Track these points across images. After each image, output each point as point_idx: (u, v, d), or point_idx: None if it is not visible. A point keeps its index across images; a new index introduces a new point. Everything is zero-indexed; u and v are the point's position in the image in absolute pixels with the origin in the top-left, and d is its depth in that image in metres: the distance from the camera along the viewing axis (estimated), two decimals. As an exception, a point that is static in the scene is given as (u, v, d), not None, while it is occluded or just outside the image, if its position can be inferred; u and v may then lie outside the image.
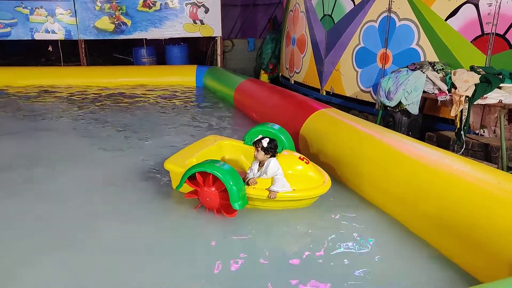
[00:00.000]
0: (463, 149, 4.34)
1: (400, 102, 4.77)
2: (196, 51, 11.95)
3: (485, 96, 4.16)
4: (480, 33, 4.70)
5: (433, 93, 4.59)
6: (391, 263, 2.78)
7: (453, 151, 4.31)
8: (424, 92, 4.65)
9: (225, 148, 4.28)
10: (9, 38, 9.88)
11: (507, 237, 2.36)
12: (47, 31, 9.92)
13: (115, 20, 10.07)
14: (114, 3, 9.95)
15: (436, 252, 2.86)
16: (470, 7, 4.75)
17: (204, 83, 9.56)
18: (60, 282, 2.56)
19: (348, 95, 6.63)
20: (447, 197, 2.81)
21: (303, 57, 7.97)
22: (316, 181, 3.43)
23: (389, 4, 5.68)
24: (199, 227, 3.22)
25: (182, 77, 9.81)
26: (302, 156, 3.57)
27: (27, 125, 6.23)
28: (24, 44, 11.48)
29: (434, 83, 4.59)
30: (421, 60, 5.27)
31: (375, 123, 4.96)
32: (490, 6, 4.57)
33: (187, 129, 5.99)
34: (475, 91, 4.18)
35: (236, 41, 11.29)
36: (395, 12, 5.60)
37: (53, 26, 9.89)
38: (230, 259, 2.79)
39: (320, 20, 7.21)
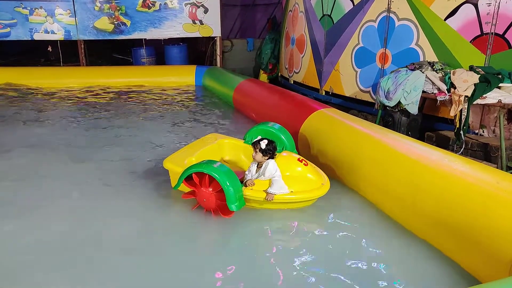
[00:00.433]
0: (463, 148, 4.34)
1: (399, 102, 4.77)
2: (196, 51, 11.95)
3: (484, 96, 4.16)
4: (479, 33, 4.71)
5: (432, 93, 4.59)
6: (390, 262, 2.78)
7: (452, 151, 4.31)
8: (423, 92, 4.65)
9: (225, 147, 4.28)
10: (8, 39, 9.86)
11: (507, 237, 2.37)
12: (46, 32, 9.91)
13: (114, 20, 10.07)
14: (113, 3, 9.94)
15: (436, 251, 2.86)
16: (469, 7, 4.75)
17: (203, 83, 9.56)
18: (57, 283, 2.57)
19: (347, 95, 6.64)
20: (446, 196, 2.81)
21: (302, 57, 7.97)
22: (314, 183, 3.41)
23: (388, 4, 5.68)
24: (195, 227, 3.22)
25: (182, 77, 9.81)
26: (301, 158, 3.55)
27: (25, 125, 6.22)
28: (23, 45, 11.47)
29: (433, 83, 4.59)
30: (420, 60, 5.27)
31: (375, 123, 4.96)
32: (489, 6, 4.57)
33: (186, 129, 5.99)
34: (474, 91, 4.18)
35: (236, 41, 11.28)
36: (394, 12, 5.61)
37: (53, 26, 9.89)
38: (227, 260, 2.79)
39: (319, 20, 7.21)
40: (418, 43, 5.34)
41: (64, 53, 10.44)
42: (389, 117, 4.99)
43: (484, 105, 4.32)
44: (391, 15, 5.65)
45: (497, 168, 3.90)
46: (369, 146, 3.73)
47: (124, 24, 10.12)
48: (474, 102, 4.21)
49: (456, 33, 4.90)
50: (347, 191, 3.84)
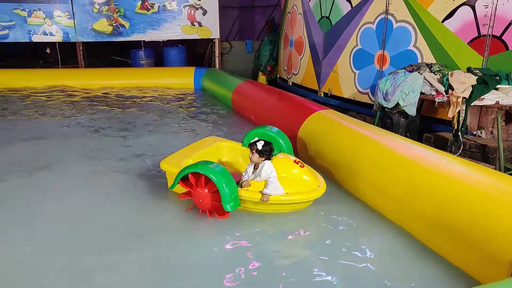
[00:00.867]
0: (461, 150, 4.35)
1: (397, 104, 4.78)
2: (194, 53, 11.96)
3: (482, 97, 4.17)
4: (476, 34, 4.73)
5: (430, 94, 4.60)
6: (388, 264, 2.78)
7: (450, 152, 4.32)
8: (421, 93, 4.67)
9: (223, 150, 4.28)
10: (7, 41, 9.86)
11: (505, 238, 2.37)
12: (45, 34, 9.91)
13: (113, 22, 10.07)
14: (112, 5, 9.95)
15: (434, 253, 2.86)
16: (466, 9, 4.78)
17: (202, 85, 9.56)
18: (54, 281, 2.58)
19: (346, 96, 6.65)
20: (445, 198, 2.82)
21: (301, 59, 7.98)
22: (310, 185, 3.41)
23: (386, 6, 5.70)
24: (192, 227, 3.23)
25: (180, 79, 9.81)
26: (297, 160, 3.55)
27: (24, 127, 6.22)
28: (22, 47, 11.47)
29: (431, 85, 4.60)
30: (418, 61, 5.29)
31: (373, 124, 4.97)
32: (487, 7, 4.59)
33: (184, 131, 6.00)
34: (472, 92, 4.19)
35: (234, 43, 11.30)
36: (392, 14, 5.63)
37: (51, 28, 9.89)
38: (223, 261, 2.80)
39: (318, 22, 7.23)
40: (416, 45, 5.36)
41: (62, 55, 10.44)
42: (388, 119, 5.00)
43: (482, 106, 4.33)
44: (389, 17, 5.67)
45: (495, 169, 3.91)
46: (368, 148, 3.74)
47: (123, 26, 10.12)
48: (472, 104, 4.22)
49: (453, 35, 4.92)
50: (345, 192, 3.84)
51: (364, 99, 6.25)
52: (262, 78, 10.32)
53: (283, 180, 3.33)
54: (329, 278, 2.62)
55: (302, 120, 4.77)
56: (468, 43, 4.82)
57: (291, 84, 8.50)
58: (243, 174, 3.54)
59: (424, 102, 4.95)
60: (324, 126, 4.51)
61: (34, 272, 2.69)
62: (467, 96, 4.21)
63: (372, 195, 3.56)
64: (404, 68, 4.99)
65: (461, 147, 4.34)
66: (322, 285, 2.55)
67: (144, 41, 10.46)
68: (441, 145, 4.56)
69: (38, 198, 3.73)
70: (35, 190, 3.91)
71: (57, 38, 10.00)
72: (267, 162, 3.37)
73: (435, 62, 5.08)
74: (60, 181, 4.13)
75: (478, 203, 2.61)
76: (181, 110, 7.34)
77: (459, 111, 4.28)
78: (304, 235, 3.18)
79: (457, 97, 4.25)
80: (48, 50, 10.64)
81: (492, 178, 2.74)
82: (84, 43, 10.30)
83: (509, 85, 4.27)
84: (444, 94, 4.44)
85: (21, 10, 9.70)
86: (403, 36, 5.50)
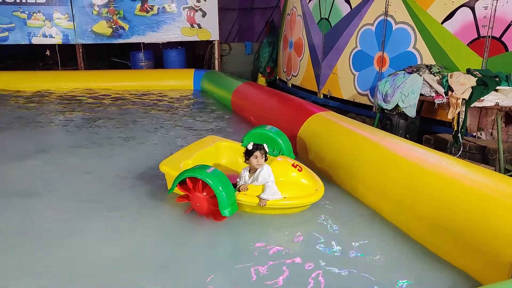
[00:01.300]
0: (461, 151, 4.34)
1: (397, 105, 4.78)
2: (194, 54, 11.96)
3: (481, 98, 4.17)
4: (476, 36, 4.73)
5: (430, 96, 4.60)
6: (387, 266, 2.77)
7: (450, 153, 4.32)
8: (421, 95, 4.67)
9: (223, 150, 4.27)
10: (6, 43, 9.87)
11: (506, 239, 2.37)
12: (44, 36, 9.92)
13: (112, 24, 10.08)
14: (111, 8, 9.96)
15: (434, 254, 2.85)
16: (466, 10, 4.78)
17: (201, 86, 9.56)
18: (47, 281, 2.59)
19: (345, 98, 6.65)
20: (445, 199, 2.81)
21: (300, 61, 7.98)
22: (308, 188, 3.40)
23: (385, 8, 5.71)
24: (189, 230, 3.22)
25: (180, 80, 9.81)
26: (296, 163, 3.53)
27: (23, 128, 6.22)
28: (21, 49, 11.47)
29: (431, 86, 4.60)
30: (418, 63, 5.29)
31: (373, 126, 4.97)
32: (486, 9, 4.59)
33: (184, 132, 5.99)
34: (471, 93, 4.19)
35: (234, 45, 11.30)
36: (392, 15, 5.63)
37: (51, 30, 9.89)
38: (218, 265, 2.80)
39: (317, 23, 7.24)
40: (415, 47, 5.36)
41: (62, 57, 10.44)
42: (387, 120, 5.00)
43: (481, 107, 4.33)
44: (389, 18, 5.67)
45: (495, 170, 3.90)
46: (367, 149, 3.74)
47: (122, 28, 10.13)
48: (472, 105, 4.22)
49: (453, 36, 4.93)
50: (345, 194, 3.83)
51: (364, 100, 6.24)
52: (261, 80, 10.32)
53: (281, 184, 3.31)
54: (328, 278, 2.61)
55: (301, 122, 4.76)
56: (467, 45, 4.82)
57: (290, 85, 8.50)
58: (238, 180, 3.51)
59: (424, 103, 4.95)
60: (324, 127, 4.50)
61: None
62: (466, 98, 4.21)
63: (372, 196, 3.55)
64: (404, 70, 4.99)
65: (461, 149, 4.34)
66: (319, 286, 2.54)
67: (143, 43, 10.47)
68: (441, 146, 4.56)
69: (37, 199, 3.73)
70: (31, 190, 3.91)
71: (57, 40, 10.00)
72: (266, 166, 3.35)
73: (435, 63, 5.08)
74: (58, 182, 4.12)
75: (478, 204, 2.60)
76: (181, 112, 7.34)
77: (458, 113, 4.28)
78: (303, 236, 3.16)
79: (457, 99, 4.25)
80: (48, 52, 10.64)
81: (492, 180, 2.74)
82: (83, 45, 10.30)
83: (509, 86, 4.27)
84: (444, 95, 4.43)
85: (21, 12, 9.71)
86: (403, 37, 5.50)
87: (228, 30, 12.60)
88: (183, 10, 10.19)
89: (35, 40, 9.94)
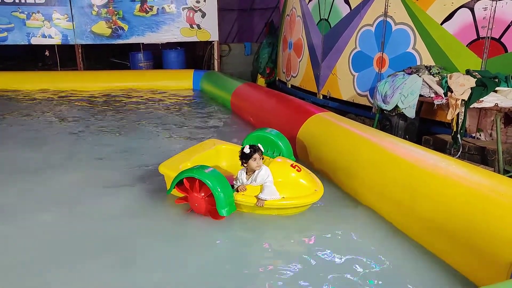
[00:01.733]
0: (460, 152, 4.34)
1: (396, 106, 4.78)
2: (193, 55, 11.96)
3: (481, 99, 4.17)
4: (475, 37, 4.73)
5: (429, 96, 4.60)
6: (387, 267, 2.77)
7: (449, 154, 4.32)
8: (420, 95, 4.67)
9: (223, 153, 4.27)
10: (5, 43, 9.86)
11: (504, 240, 2.36)
12: (44, 36, 9.91)
13: (112, 24, 10.08)
14: (111, 8, 9.95)
15: (433, 255, 2.85)
16: (465, 11, 4.78)
17: (201, 87, 9.56)
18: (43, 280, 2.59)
19: (344, 99, 6.65)
20: (444, 200, 2.81)
21: (299, 61, 7.98)
22: (307, 189, 3.38)
23: (385, 9, 5.71)
24: (187, 231, 3.22)
25: (179, 81, 9.81)
26: (294, 164, 3.52)
27: (22, 129, 6.21)
28: (21, 49, 11.46)
29: (430, 87, 4.60)
30: (417, 64, 5.29)
31: (372, 126, 4.97)
32: (486, 10, 4.60)
33: (183, 133, 5.98)
34: (471, 94, 4.19)
35: (233, 46, 11.30)
36: (391, 16, 5.63)
37: (50, 31, 9.89)
38: (219, 263, 2.79)
39: (317, 24, 7.24)
40: (415, 47, 5.36)
41: (61, 57, 10.43)
42: (387, 121, 5.00)
43: (480, 108, 4.33)
44: (388, 19, 5.68)
45: (494, 171, 3.91)
46: (367, 150, 3.73)
47: (122, 28, 10.12)
48: (471, 106, 4.22)
49: (452, 37, 4.93)
50: (344, 195, 3.83)
51: (363, 101, 6.24)
52: (261, 81, 10.32)
53: (280, 185, 3.30)
54: (325, 280, 2.60)
55: (301, 123, 4.76)
56: (467, 46, 4.82)
57: (290, 86, 8.50)
58: (234, 182, 3.49)
59: (423, 104, 4.95)
60: (323, 128, 4.50)
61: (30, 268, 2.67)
62: (466, 99, 4.21)
63: (371, 197, 3.55)
64: (403, 71, 5.00)
65: (460, 150, 4.34)
66: (317, 286, 2.53)
67: (143, 43, 10.46)
68: (440, 147, 4.56)
69: (36, 199, 3.73)
70: (32, 191, 3.92)
71: (56, 40, 10.00)
72: (264, 167, 3.34)
73: (434, 64, 5.08)
74: (55, 184, 4.12)
75: (477, 205, 2.60)
76: (180, 113, 7.33)
77: (458, 114, 4.28)
78: (302, 237, 3.16)
79: (456, 100, 4.25)
80: (47, 53, 10.64)
81: (491, 181, 2.74)
82: (83, 46, 10.30)
83: (508, 87, 4.27)
84: (443, 96, 4.44)
85: (20, 12, 9.70)
86: (402, 38, 5.50)
87: (227, 30, 12.61)
88: (183, 10, 10.19)
89: (34, 41, 9.93)
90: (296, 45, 8.10)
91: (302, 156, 4.57)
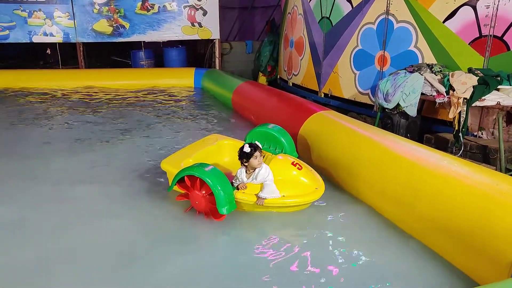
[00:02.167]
0: (462, 151, 4.33)
1: (398, 104, 4.77)
2: (195, 53, 11.96)
3: (483, 98, 4.16)
4: (478, 35, 4.71)
5: (431, 95, 4.59)
6: (388, 265, 2.77)
7: (451, 153, 4.31)
8: (422, 94, 4.66)
9: (225, 148, 4.26)
10: (7, 41, 9.86)
11: (506, 239, 2.36)
12: (45, 34, 9.91)
13: (113, 23, 10.07)
14: (112, 6, 9.95)
15: (435, 254, 2.85)
16: (467, 9, 4.76)
17: (202, 85, 9.56)
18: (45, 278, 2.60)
19: (346, 97, 6.64)
20: (445, 199, 2.81)
21: (301, 60, 7.97)
22: (308, 187, 3.38)
23: (387, 7, 5.69)
24: (188, 228, 3.23)
25: (181, 79, 9.80)
26: (295, 162, 3.52)
27: (22, 127, 6.22)
28: (22, 47, 11.46)
29: (432, 85, 4.59)
30: (419, 62, 5.28)
31: (373, 125, 4.96)
32: (488, 8, 4.58)
33: (184, 131, 5.99)
34: (473, 93, 4.18)
35: (234, 44, 11.29)
36: (393, 14, 5.61)
37: (52, 29, 9.89)
38: (219, 263, 2.79)
39: (318, 22, 7.22)
40: (417, 45, 5.34)
41: (63, 55, 10.44)
42: (388, 119, 4.99)
43: (482, 107, 4.32)
44: (390, 17, 5.66)
45: (496, 170, 3.90)
46: (368, 148, 3.73)
47: (123, 26, 10.12)
48: (473, 104, 4.21)
49: (454, 35, 4.91)
50: (345, 193, 3.82)
51: (365, 99, 6.23)
52: (262, 79, 10.31)
53: (280, 183, 3.30)
54: (328, 278, 2.60)
55: (302, 121, 4.75)
56: (469, 44, 4.80)
57: (291, 84, 8.49)
58: (233, 180, 3.48)
59: (425, 102, 4.94)
60: (325, 127, 4.49)
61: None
62: (468, 97, 4.20)
63: (372, 195, 3.54)
64: (405, 69, 4.98)
65: (462, 148, 4.33)
66: (318, 285, 2.53)
67: (144, 41, 10.46)
68: (441, 146, 4.55)
69: (36, 196, 3.74)
70: (33, 183, 3.93)
71: (58, 38, 10.00)
72: (264, 165, 3.34)
73: (436, 62, 5.07)
74: (56, 182, 4.12)
75: (478, 204, 2.60)
76: (181, 111, 7.33)
77: (460, 112, 4.27)
78: (303, 235, 3.16)
79: (458, 98, 4.24)
80: (48, 51, 10.64)
81: (493, 179, 2.73)
82: (84, 44, 10.29)
83: (510, 85, 4.26)
84: (445, 94, 4.42)
85: (22, 10, 9.70)
86: (404, 36, 5.48)
87: (229, 28, 12.60)
88: (184, 8, 10.18)
89: (36, 39, 9.93)
90: (298, 43, 8.08)
91: (303, 154, 4.56)
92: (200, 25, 10.34)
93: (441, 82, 4.55)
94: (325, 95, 7.18)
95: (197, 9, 10.22)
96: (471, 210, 2.61)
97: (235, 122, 6.60)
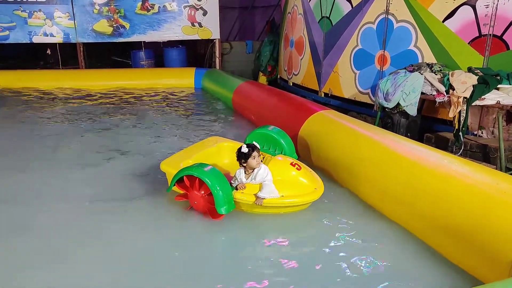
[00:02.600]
0: (462, 150, 4.34)
1: (398, 104, 4.78)
2: (195, 53, 11.96)
3: (483, 97, 4.17)
4: (477, 34, 4.72)
5: (431, 94, 4.60)
6: (389, 264, 2.77)
7: (451, 152, 4.32)
8: (422, 93, 4.66)
9: (225, 150, 4.27)
10: (7, 42, 9.87)
11: (506, 238, 2.37)
12: (45, 35, 9.92)
13: (113, 23, 10.08)
14: (112, 6, 9.96)
15: (436, 253, 2.86)
16: (467, 9, 4.77)
17: (202, 85, 9.57)
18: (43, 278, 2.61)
19: (346, 96, 6.64)
20: (445, 198, 2.81)
21: (301, 59, 7.98)
22: (306, 187, 3.38)
23: (386, 6, 5.70)
24: (187, 228, 3.23)
25: (181, 79, 9.81)
26: (294, 162, 3.52)
27: (23, 127, 6.23)
28: (22, 48, 11.47)
29: (432, 85, 4.60)
30: (419, 61, 5.28)
31: (374, 124, 4.97)
32: (487, 7, 4.58)
33: (184, 132, 5.99)
34: (473, 92, 4.19)
35: (235, 44, 11.30)
36: (393, 14, 5.62)
37: (52, 29, 9.90)
38: (218, 263, 2.80)
39: (318, 22, 7.23)
40: (416, 45, 5.35)
41: (63, 56, 10.44)
42: (388, 119, 4.99)
43: (482, 106, 4.33)
44: (390, 17, 5.67)
45: (496, 169, 3.91)
46: (368, 148, 3.73)
47: (123, 26, 10.13)
48: (473, 104, 4.22)
49: (454, 34, 4.92)
50: (346, 193, 3.82)
51: (365, 99, 6.24)
52: (262, 79, 10.32)
53: (279, 183, 3.30)
54: (328, 278, 2.61)
55: (302, 121, 4.76)
56: (468, 43, 4.81)
57: (291, 84, 8.50)
58: (232, 181, 3.48)
59: (425, 102, 4.95)
60: (325, 126, 4.50)
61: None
62: (468, 96, 4.21)
63: (373, 195, 3.55)
64: (405, 68, 4.99)
65: (462, 147, 4.33)
66: (318, 285, 2.54)
67: (144, 42, 10.46)
68: (442, 145, 4.56)
69: (36, 195, 3.76)
70: (33, 188, 3.94)
71: (58, 39, 10.01)
72: (263, 166, 3.34)
73: (436, 62, 5.08)
74: (58, 180, 4.13)
75: (479, 203, 2.60)
76: (182, 111, 7.34)
77: (460, 111, 4.28)
78: (303, 235, 3.17)
79: (458, 97, 4.24)
80: (48, 51, 10.64)
81: (493, 178, 2.74)
82: (84, 44, 10.30)
83: (510, 84, 4.27)
84: (445, 94, 4.43)
85: (22, 11, 9.71)
86: (404, 36, 5.49)
87: (229, 28, 12.60)
88: (184, 8, 10.19)
89: (36, 39, 9.94)
90: (298, 43, 8.09)
91: (303, 154, 4.57)
92: (200, 25, 10.35)
93: (441, 81, 4.55)
94: (325, 94, 7.19)
95: (197, 9, 10.23)
96: (472, 209, 2.62)
97: (235, 122, 6.61)
